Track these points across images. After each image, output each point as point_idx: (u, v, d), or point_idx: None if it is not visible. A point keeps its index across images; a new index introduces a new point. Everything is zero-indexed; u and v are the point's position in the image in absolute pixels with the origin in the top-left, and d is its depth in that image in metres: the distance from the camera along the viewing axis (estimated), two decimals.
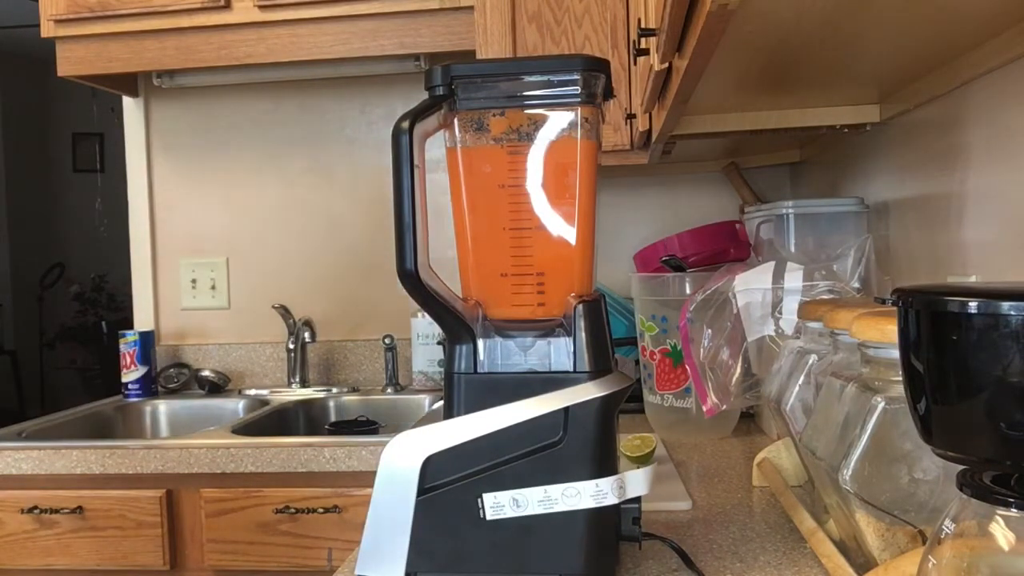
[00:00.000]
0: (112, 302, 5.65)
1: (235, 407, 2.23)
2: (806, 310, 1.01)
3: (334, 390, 2.29)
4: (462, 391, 0.84)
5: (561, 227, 0.86)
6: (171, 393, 2.34)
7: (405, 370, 2.31)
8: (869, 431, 0.72)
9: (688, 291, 1.48)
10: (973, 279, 1.04)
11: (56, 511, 1.74)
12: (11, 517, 1.75)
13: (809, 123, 1.39)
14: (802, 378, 0.99)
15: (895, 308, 0.54)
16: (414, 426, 0.87)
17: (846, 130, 1.41)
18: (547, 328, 0.85)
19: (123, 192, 2.48)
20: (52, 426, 2.01)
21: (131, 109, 2.47)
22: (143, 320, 2.46)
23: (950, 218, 1.12)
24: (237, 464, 1.70)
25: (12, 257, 5.81)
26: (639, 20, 1.34)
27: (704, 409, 1.30)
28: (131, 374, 2.28)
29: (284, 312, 2.30)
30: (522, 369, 0.84)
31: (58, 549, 1.75)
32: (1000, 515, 0.48)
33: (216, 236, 2.44)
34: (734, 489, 1.20)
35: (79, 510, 1.74)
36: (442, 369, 1.91)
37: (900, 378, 0.55)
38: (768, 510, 1.10)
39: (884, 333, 0.72)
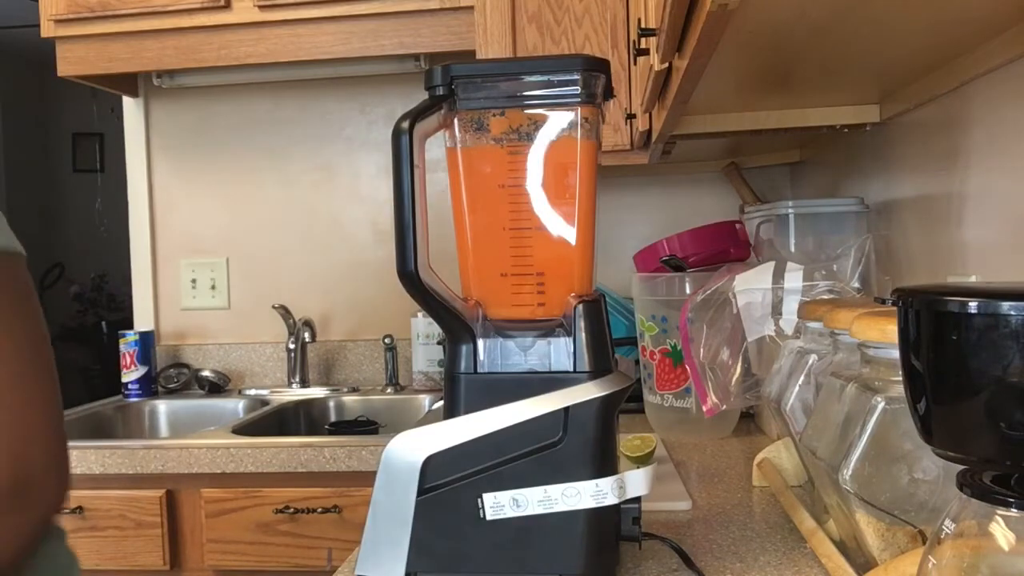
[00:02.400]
0: (112, 302, 5.64)
1: (235, 407, 2.23)
2: (806, 310, 1.00)
3: (334, 390, 2.29)
4: (462, 391, 0.84)
5: (561, 227, 0.86)
6: (171, 393, 2.34)
7: (405, 370, 2.31)
8: (869, 431, 0.72)
9: (688, 291, 1.48)
10: (973, 279, 1.04)
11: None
12: None
13: (809, 123, 1.39)
14: (802, 378, 0.99)
15: (895, 308, 0.54)
16: (414, 426, 0.87)
17: (846, 130, 1.41)
18: (547, 328, 0.85)
19: (123, 192, 2.48)
20: None
21: (131, 109, 2.47)
22: (143, 320, 2.46)
23: (950, 218, 1.11)
24: (237, 464, 1.70)
25: None
26: (639, 20, 1.34)
27: (704, 409, 1.30)
28: (131, 374, 2.28)
29: (284, 312, 2.30)
30: (522, 369, 0.84)
31: None
32: (1000, 515, 0.48)
33: (216, 236, 2.44)
34: (734, 489, 1.20)
35: (79, 510, 1.74)
36: (442, 369, 1.91)
37: (900, 378, 0.55)
38: (768, 510, 1.10)
39: (884, 333, 0.72)
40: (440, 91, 0.84)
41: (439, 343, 2.23)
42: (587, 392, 0.82)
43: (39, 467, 0.73)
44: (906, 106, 1.24)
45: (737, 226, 1.66)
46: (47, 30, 2.12)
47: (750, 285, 1.26)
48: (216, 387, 2.31)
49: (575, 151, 0.85)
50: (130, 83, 2.42)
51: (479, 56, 1.83)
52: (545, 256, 0.87)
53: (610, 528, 0.84)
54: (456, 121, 0.86)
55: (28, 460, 0.72)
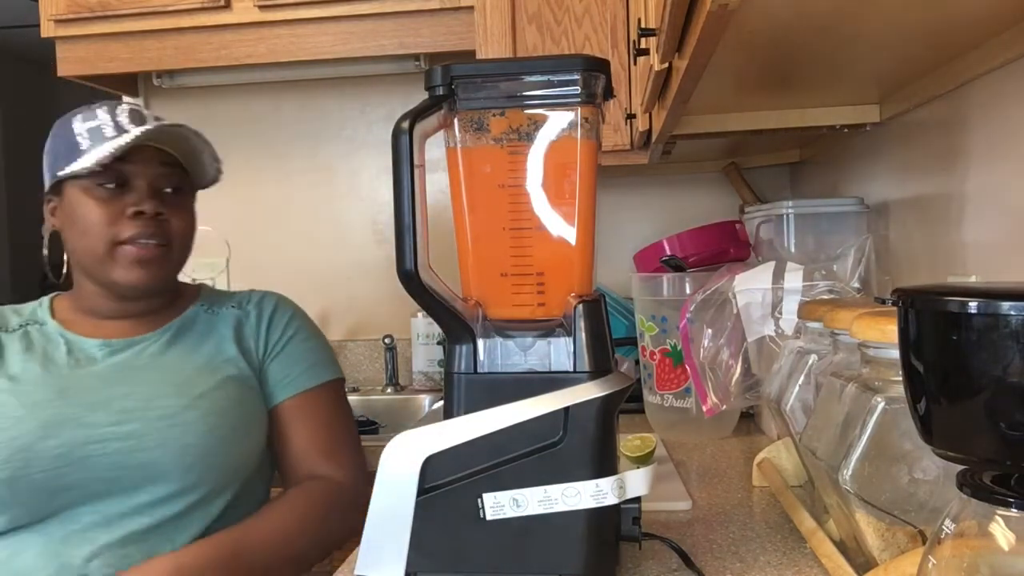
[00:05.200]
0: None
1: None
2: (806, 310, 1.01)
3: None
4: (462, 391, 0.84)
5: (561, 227, 0.86)
6: None
7: (405, 370, 2.31)
8: (869, 431, 0.72)
9: (688, 291, 1.48)
10: (973, 279, 1.04)
11: None
12: None
13: (809, 123, 1.39)
14: (802, 378, 0.99)
15: (895, 308, 0.54)
16: (414, 426, 0.87)
17: (846, 130, 1.41)
18: (547, 328, 0.85)
19: None
20: None
21: None
22: None
23: (950, 218, 1.12)
24: None
25: (12, 257, 5.81)
26: (639, 20, 1.34)
27: (704, 409, 1.30)
28: None
29: None
30: (522, 369, 0.84)
31: None
32: (1000, 515, 0.48)
33: (216, 236, 2.44)
34: (734, 489, 1.20)
35: None
36: (442, 369, 1.91)
37: (900, 378, 0.55)
38: (768, 510, 1.10)
39: (884, 333, 0.72)
40: (440, 91, 0.84)
41: (439, 343, 2.23)
42: (587, 392, 0.82)
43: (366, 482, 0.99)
44: (906, 106, 1.24)
45: (737, 226, 1.66)
46: (47, 30, 2.12)
47: (750, 285, 1.26)
48: None
49: (575, 151, 0.85)
50: (130, 83, 2.42)
51: (479, 56, 1.83)
52: (545, 256, 0.86)
53: (610, 528, 0.84)
54: (456, 121, 0.86)
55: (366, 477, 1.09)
